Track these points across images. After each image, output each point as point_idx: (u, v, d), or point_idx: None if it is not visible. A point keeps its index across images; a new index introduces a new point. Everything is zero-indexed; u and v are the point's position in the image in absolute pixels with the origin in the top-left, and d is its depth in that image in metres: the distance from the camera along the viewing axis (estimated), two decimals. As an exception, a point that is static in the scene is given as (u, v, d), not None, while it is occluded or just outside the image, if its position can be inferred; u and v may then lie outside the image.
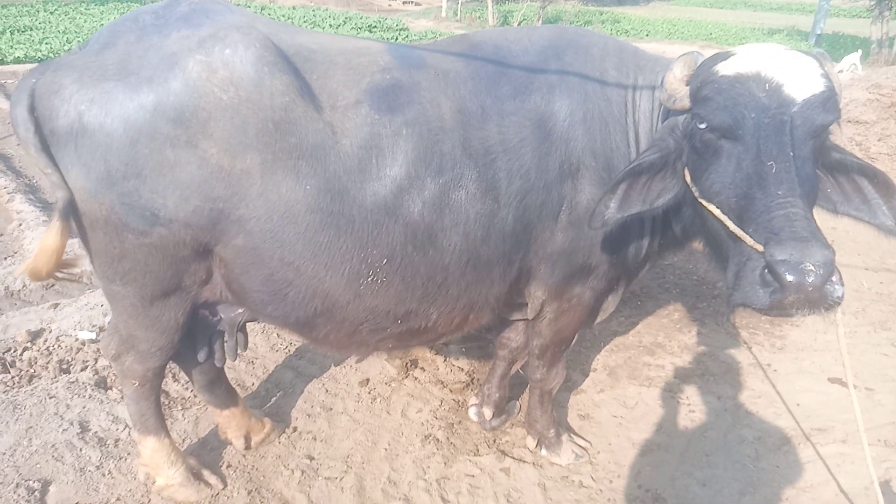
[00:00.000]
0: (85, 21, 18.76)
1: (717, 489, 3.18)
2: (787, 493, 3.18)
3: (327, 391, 3.77)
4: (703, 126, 2.09)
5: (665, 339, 4.46)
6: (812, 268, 1.74)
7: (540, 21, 26.11)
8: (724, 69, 2.08)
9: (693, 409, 3.74)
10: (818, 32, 22.75)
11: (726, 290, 2.01)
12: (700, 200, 2.14)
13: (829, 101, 2.01)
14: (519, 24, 25.84)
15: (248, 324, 2.82)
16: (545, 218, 2.50)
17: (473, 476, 3.21)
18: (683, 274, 5.43)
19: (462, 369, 4.05)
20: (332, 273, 2.30)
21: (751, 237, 1.89)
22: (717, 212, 2.05)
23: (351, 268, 2.30)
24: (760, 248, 1.84)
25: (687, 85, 2.21)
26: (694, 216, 2.35)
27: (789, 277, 1.74)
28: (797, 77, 2.02)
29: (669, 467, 3.30)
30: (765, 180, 1.93)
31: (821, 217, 2.12)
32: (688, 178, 2.24)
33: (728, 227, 1.99)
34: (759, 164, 1.96)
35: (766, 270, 1.80)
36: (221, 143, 2.07)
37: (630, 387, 3.93)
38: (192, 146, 2.06)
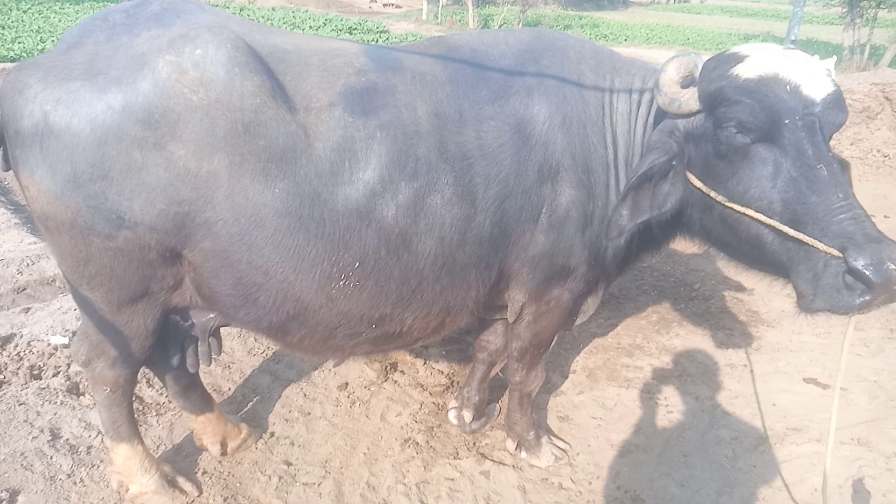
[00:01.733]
0: (59, 20, 18.47)
1: (694, 489, 3.19)
2: (763, 492, 3.21)
3: (305, 396, 3.73)
4: (732, 129, 2.07)
5: (643, 341, 4.49)
6: (894, 266, 1.79)
7: (520, 25, 26.25)
8: (745, 71, 2.07)
9: (671, 409, 3.77)
10: (793, 38, 23.08)
11: (803, 296, 1.98)
12: (730, 206, 2.12)
13: (841, 101, 2.07)
14: (499, 28, 25.93)
15: (224, 328, 2.78)
16: (525, 222, 2.49)
17: (453, 479, 3.19)
18: (661, 276, 5.48)
19: (442, 372, 4.03)
20: (303, 277, 2.26)
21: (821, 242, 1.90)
22: (767, 219, 2.02)
23: (322, 272, 2.27)
24: (837, 252, 1.85)
25: (685, 87, 2.21)
26: (709, 220, 2.31)
27: (876, 279, 1.77)
28: (813, 77, 2.05)
29: (648, 468, 3.31)
30: (818, 184, 1.95)
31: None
32: (695, 182, 2.24)
33: (789, 234, 1.97)
34: (806, 167, 1.97)
35: (848, 274, 1.83)
36: (190, 145, 2.03)
37: (609, 388, 3.94)
38: (161, 148, 2.02)
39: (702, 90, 2.17)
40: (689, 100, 2.19)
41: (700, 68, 2.21)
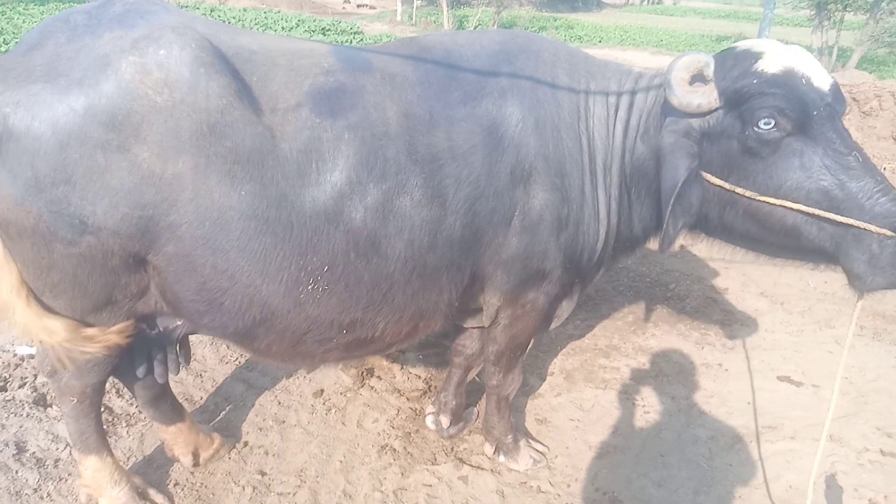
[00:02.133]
0: (23, 21, 18.03)
1: (672, 489, 3.21)
2: (740, 490, 3.24)
3: (280, 403, 3.67)
4: (767, 123, 2.12)
5: (620, 342, 4.51)
6: None
7: (495, 26, 26.34)
8: (769, 66, 2.13)
9: (648, 410, 3.79)
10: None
11: (860, 277, 2.09)
12: (763, 199, 2.18)
13: (840, 90, 2.17)
14: (474, 29, 25.97)
15: (196, 337, 2.72)
16: (497, 224, 2.47)
17: (431, 486, 3.16)
18: (637, 277, 5.51)
19: (419, 377, 4.00)
20: (270, 281, 2.22)
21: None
22: (813, 210, 2.10)
23: (290, 275, 2.22)
24: (890, 233, 1.99)
25: (692, 85, 2.23)
26: (731, 216, 2.35)
27: None
28: (818, 70, 2.15)
29: (626, 469, 3.32)
30: (853, 170, 2.07)
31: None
32: (714, 180, 2.27)
33: (838, 220, 2.07)
34: (839, 154, 2.09)
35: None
36: (154, 148, 1.98)
37: (586, 390, 3.95)
38: (125, 151, 1.97)
39: (724, 87, 2.19)
40: (709, 98, 2.20)
41: (713, 67, 2.23)
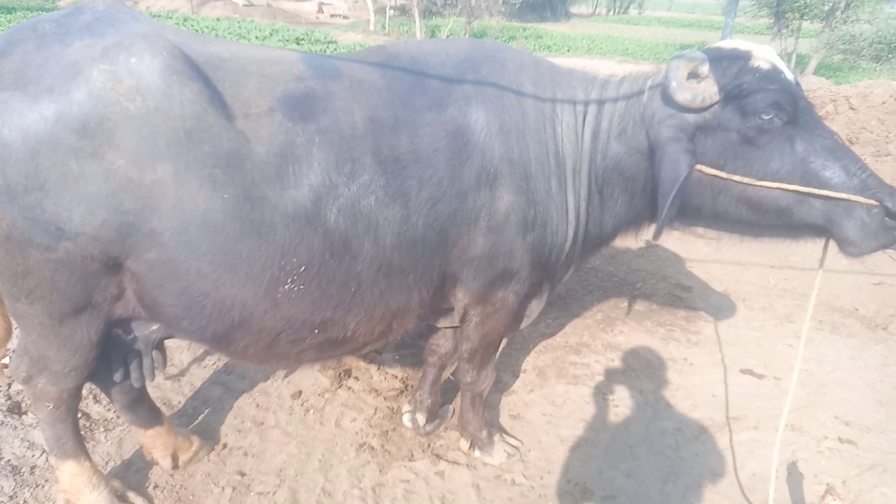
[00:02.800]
0: (-12, 31, 17.70)
1: (641, 479, 3.32)
2: (706, 478, 3.36)
3: (258, 406, 3.71)
4: (768, 114, 2.33)
5: (590, 339, 4.64)
6: None
7: (466, 35, 26.60)
8: (761, 64, 2.37)
9: (617, 404, 3.91)
10: (726, 48, 24.22)
11: (854, 243, 2.37)
12: (762, 184, 2.38)
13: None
14: (440, 38, 26.20)
15: (174, 341, 2.74)
16: (461, 224, 2.54)
17: (409, 481, 3.23)
18: (605, 276, 5.67)
19: (396, 377, 4.07)
20: (252, 282, 2.26)
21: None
22: (807, 189, 2.34)
23: (270, 276, 2.27)
24: (874, 202, 2.28)
25: (698, 82, 2.39)
26: (724, 203, 2.54)
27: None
28: (783, 64, 2.41)
29: (596, 461, 3.43)
30: (836, 152, 2.35)
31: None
32: (708, 171, 2.44)
33: (833, 197, 2.32)
34: (823, 139, 2.36)
35: (888, 217, 2.29)
36: (130, 155, 2.01)
37: (558, 386, 4.06)
38: (99, 158, 1.99)
39: (724, 83, 2.37)
40: (710, 93, 2.38)
41: (708, 65, 2.40)
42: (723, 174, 2.43)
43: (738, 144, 2.41)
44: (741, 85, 2.36)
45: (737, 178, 2.41)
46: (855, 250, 2.39)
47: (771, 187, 2.38)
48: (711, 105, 2.40)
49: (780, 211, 2.45)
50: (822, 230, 2.47)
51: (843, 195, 2.31)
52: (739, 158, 2.42)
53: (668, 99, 2.46)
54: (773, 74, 2.35)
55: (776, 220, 2.51)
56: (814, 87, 10.19)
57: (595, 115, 2.73)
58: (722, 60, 2.41)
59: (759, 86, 2.33)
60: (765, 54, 2.40)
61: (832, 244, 2.52)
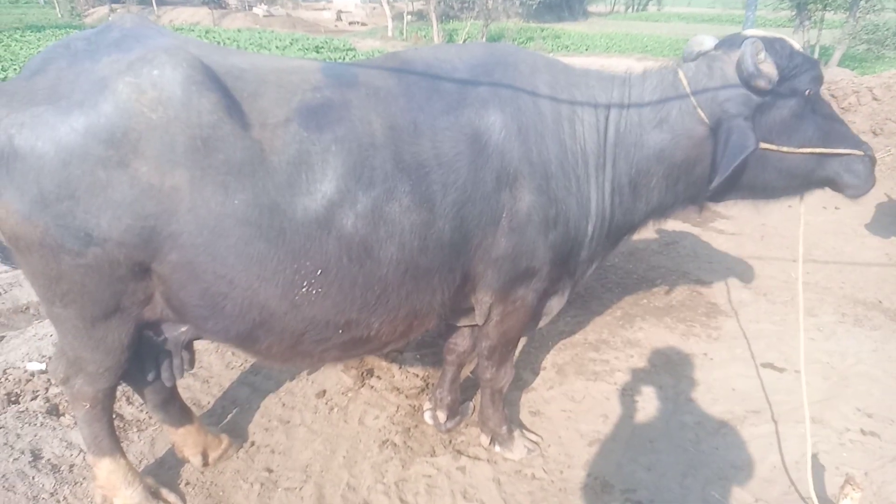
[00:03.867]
0: (21, 48, 18.26)
1: (661, 472, 3.35)
2: (726, 471, 3.37)
3: (284, 405, 3.81)
4: (813, 88, 2.71)
5: (609, 336, 4.66)
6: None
7: (483, 38, 26.66)
8: (797, 48, 2.71)
9: (637, 399, 3.93)
10: (747, 42, 23.85)
11: (856, 187, 2.84)
12: (802, 151, 2.74)
13: None
14: (464, 42, 26.29)
15: (202, 344, 2.84)
16: (485, 226, 2.60)
17: (431, 476, 3.31)
18: (625, 274, 5.68)
19: (417, 375, 4.15)
20: (266, 285, 2.33)
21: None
22: (821, 149, 2.76)
23: (284, 279, 2.33)
24: (860, 152, 2.79)
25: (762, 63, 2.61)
26: (762, 174, 2.84)
27: (875, 159, 2.86)
28: None
29: (616, 455, 3.46)
30: (835, 117, 2.85)
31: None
32: (767, 146, 2.71)
33: (846, 153, 2.79)
34: (828, 107, 2.84)
35: (869, 161, 2.81)
36: (151, 162, 2.11)
37: (577, 382, 4.10)
38: (124, 166, 2.09)
39: (782, 65, 2.63)
40: (774, 74, 2.61)
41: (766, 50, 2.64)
42: (773, 147, 2.72)
43: (787, 118, 2.70)
44: (794, 66, 2.65)
45: (786, 148, 2.72)
46: (857, 192, 2.86)
47: (815, 153, 2.75)
48: (773, 81, 2.61)
49: (807, 173, 2.83)
50: (830, 182, 2.89)
51: (847, 150, 2.78)
52: (784, 131, 2.72)
53: (729, 81, 2.68)
54: (807, 57, 2.71)
55: (799, 182, 2.89)
56: (836, 78, 10.04)
57: (619, 111, 2.79)
58: (773, 45, 2.65)
59: (807, 65, 2.67)
60: (793, 41, 2.74)
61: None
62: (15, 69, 15.25)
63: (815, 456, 3.47)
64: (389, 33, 31.15)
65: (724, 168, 2.57)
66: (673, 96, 2.77)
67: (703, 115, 2.69)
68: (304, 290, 2.39)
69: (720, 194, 2.96)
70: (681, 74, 2.79)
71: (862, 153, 2.79)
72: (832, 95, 8.89)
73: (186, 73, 2.16)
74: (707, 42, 2.89)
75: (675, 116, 2.75)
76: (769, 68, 2.59)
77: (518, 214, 2.63)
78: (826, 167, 2.81)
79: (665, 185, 2.89)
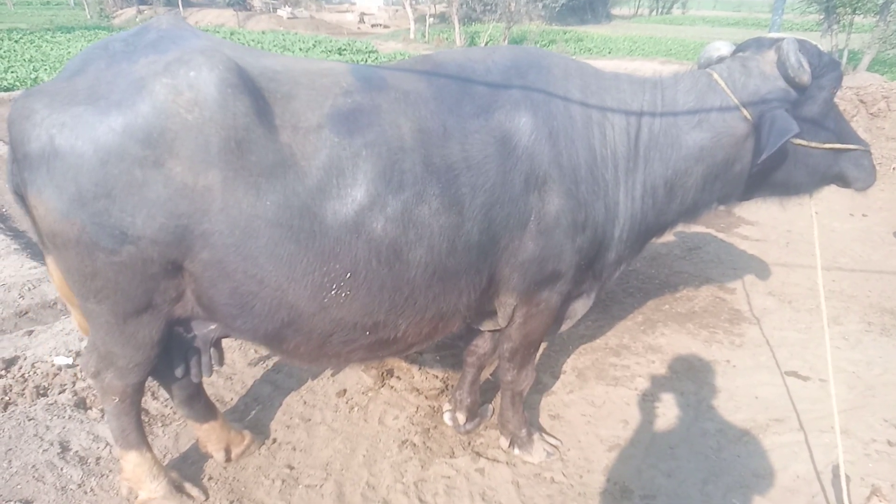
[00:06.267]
0: (51, 49, 18.66)
1: (681, 479, 3.33)
2: (747, 480, 3.34)
3: (305, 403, 3.86)
4: (837, 89, 2.86)
5: (630, 341, 4.64)
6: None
7: (506, 41, 26.63)
8: (821, 48, 2.84)
9: (657, 405, 3.91)
10: (773, 46, 23.52)
11: (862, 180, 3.06)
12: (828, 146, 2.92)
13: None
14: (486, 45, 26.30)
15: (225, 341, 2.87)
16: (513, 229, 2.61)
17: (449, 477, 3.32)
18: (647, 279, 5.65)
19: (437, 376, 4.17)
20: (295, 286, 2.36)
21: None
22: (840, 145, 2.95)
23: (313, 281, 2.36)
24: (865, 147, 3.01)
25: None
26: (790, 171, 2.98)
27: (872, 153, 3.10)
28: None
29: (636, 461, 3.45)
30: (842, 114, 3.05)
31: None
32: (799, 141, 2.85)
33: (848, 148, 2.97)
34: (836, 105, 2.98)
35: (871, 156, 3.05)
36: (186, 162, 2.15)
37: (598, 387, 4.08)
38: (160, 165, 2.13)
39: (815, 63, 2.76)
40: (809, 73, 2.73)
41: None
42: (803, 142, 2.86)
43: (815, 115, 2.83)
44: (824, 66, 2.78)
45: (814, 144, 2.88)
46: (864, 184, 3.06)
47: (835, 148, 2.92)
48: (809, 82, 2.74)
49: (826, 168, 2.99)
50: (841, 177, 3.06)
51: (855, 146, 2.97)
52: (812, 128, 2.84)
53: (768, 77, 2.79)
54: (831, 58, 2.85)
55: (819, 178, 3.04)
56: (866, 83, 9.86)
57: (653, 114, 2.81)
58: (805, 46, 2.79)
59: (832, 65, 2.81)
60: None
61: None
62: (46, 69, 15.59)
63: (839, 467, 3.42)
64: (411, 36, 31.28)
65: (770, 147, 2.65)
66: (711, 96, 2.84)
67: (745, 112, 2.77)
68: (333, 292, 2.42)
69: (748, 191, 3.08)
70: (715, 76, 2.85)
71: (865, 148, 3.03)
72: (861, 101, 8.74)
73: (222, 74, 2.19)
74: (724, 47, 3.02)
75: (716, 116, 2.82)
76: (808, 65, 2.71)
77: (546, 218, 2.64)
78: (840, 162, 2.98)
79: (702, 185, 2.95)
